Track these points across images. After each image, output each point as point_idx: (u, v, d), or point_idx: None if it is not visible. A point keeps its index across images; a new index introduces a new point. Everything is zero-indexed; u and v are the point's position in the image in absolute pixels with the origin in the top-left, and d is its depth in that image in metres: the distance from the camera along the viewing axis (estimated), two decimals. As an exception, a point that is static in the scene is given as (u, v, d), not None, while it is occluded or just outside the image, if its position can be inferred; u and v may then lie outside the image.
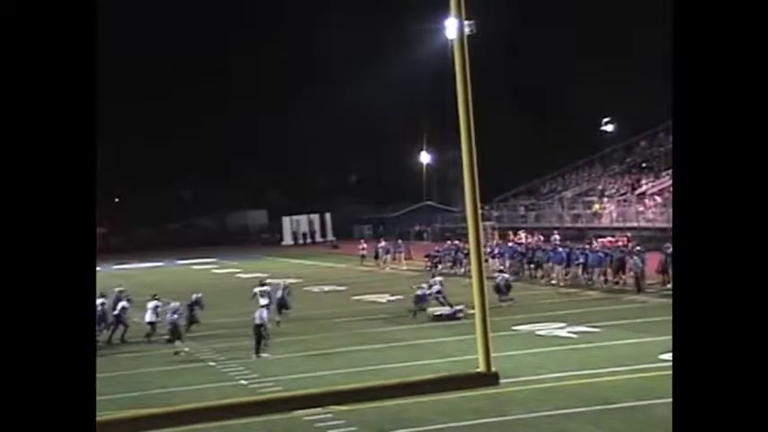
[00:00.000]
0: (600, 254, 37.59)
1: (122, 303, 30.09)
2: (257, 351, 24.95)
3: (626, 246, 41.24)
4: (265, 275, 44.03)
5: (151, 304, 29.76)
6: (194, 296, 29.95)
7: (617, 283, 35.79)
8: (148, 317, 29.30)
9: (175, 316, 27.06)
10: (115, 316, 29.86)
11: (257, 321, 25.26)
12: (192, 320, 29.24)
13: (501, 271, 36.11)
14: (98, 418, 17.17)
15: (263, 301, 26.25)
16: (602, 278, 36.39)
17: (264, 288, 31.81)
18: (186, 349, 26.55)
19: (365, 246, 57.69)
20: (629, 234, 48.30)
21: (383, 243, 56.08)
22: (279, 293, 31.49)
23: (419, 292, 31.24)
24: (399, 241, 57.78)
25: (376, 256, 54.45)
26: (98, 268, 57.21)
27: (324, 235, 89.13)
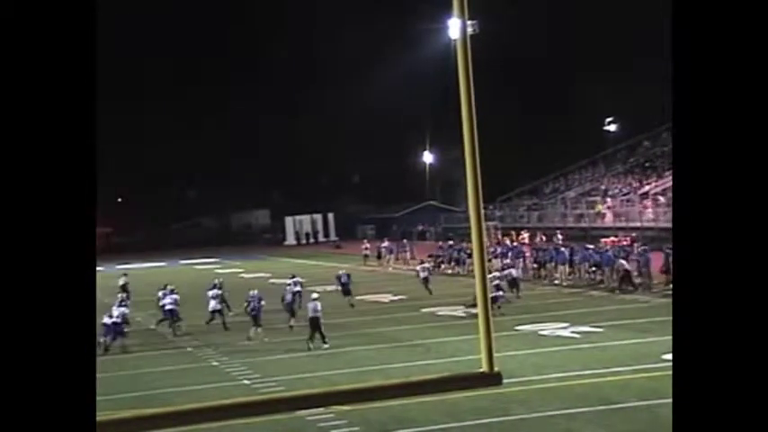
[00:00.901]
0: (609, 253, 37.55)
1: (214, 291, 31.99)
2: (323, 340, 25.83)
3: (630, 246, 41.20)
4: (268, 275, 44.08)
5: (211, 293, 31.73)
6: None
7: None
8: (212, 305, 31.19)
9: (263, 303, 28.73)
10: (169, 311, 30.98)
11: (312, 314, 26.02)
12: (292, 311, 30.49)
13: (505, 267, 36.36)
14: (100, 418, 17.17)
15: (315, 295, 27.24)
16: (615, 277, 36.21)
17: (296, 279, 34.71)
18: (262, 336, 27.91)
19: (368, 246, 57.73)
20: (633, 234, 48.28)
21: (386, 243, 56.08)
22: (343, 279, 35.94)
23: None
24: (405, 241, 57.85)
25: (379, 256, 54.49)
26: (101, 268, 57.48)
27: (327, 235, 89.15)
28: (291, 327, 28.92)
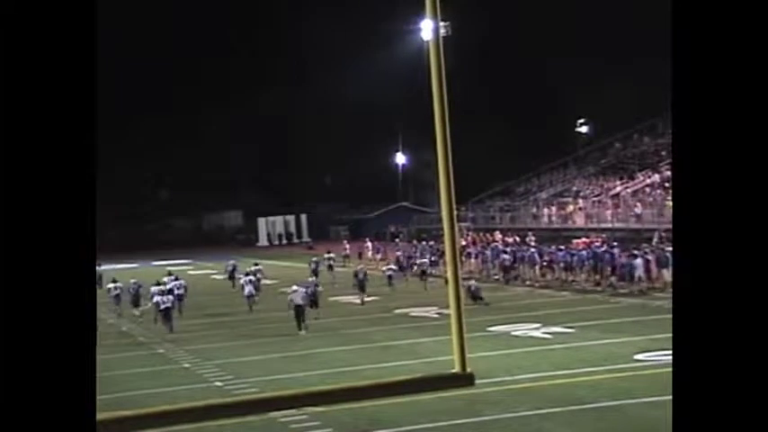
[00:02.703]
0: (583, 253, 37.70)
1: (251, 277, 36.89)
2: (300, 327, 28.42)
3: (601, 246, 41.37)
4: (240, 277, 43.82)
5: (245, 279, 36.60)
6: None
7: (599, 284, 35.87)
8: (248, 290, 35.29)
9: (320, 288, 32.77)
10: (178, 296, 34.07)
11: (297, 302, 28.75)
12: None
13: (470, 277, 37.03)
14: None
15: (294, 287, 30.10)
16: (595, 277, 36.31)
17: (258, 268, 41.51)
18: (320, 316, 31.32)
19: (348, 246, 57.68)
20: (604, 235, 48.52)
21: (369, 243, 55.88)
22: (360, 276, 37.00)
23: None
24: (397, 240, 58.16)
25: (360, 257, 54.49)
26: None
27: (299, 236, 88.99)
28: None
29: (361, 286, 36.35)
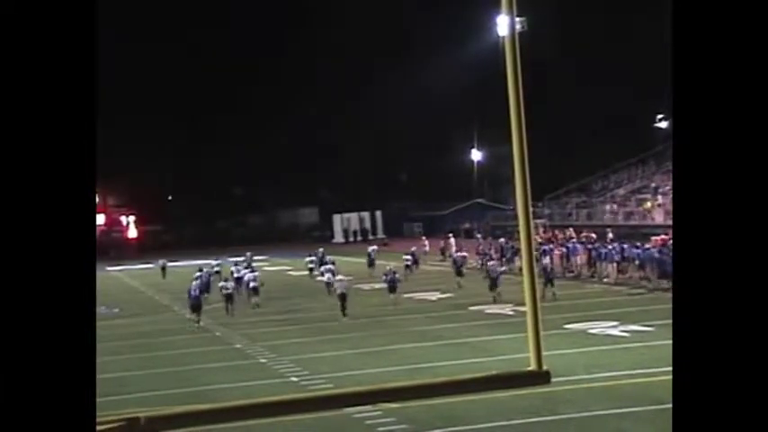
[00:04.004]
0: (653, 251, 37.14)
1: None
2: (344, 313, 31.41)
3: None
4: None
5: (323, 268, 41.66)
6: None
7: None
8: (326, 278, 39.49)
9: (398, 275, 35.49)
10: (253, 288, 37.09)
11: (339, 291, 32.14)
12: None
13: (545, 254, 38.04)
14: (150, 413, 17.30)
15: (340, 276, 34.74)
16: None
17: (313, 258, 48.43)
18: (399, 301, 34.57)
19: (427, 243, 57.62)
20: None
21: (452, 239, 55.61)
22: (459, 264, 41.64)
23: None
24: (479, 236, 58.13)
25: (441, 253, 54.44)
26: (150, 265, 58.38)
27: (375, 233, 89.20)
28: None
29: (458, 272, 40.52)
